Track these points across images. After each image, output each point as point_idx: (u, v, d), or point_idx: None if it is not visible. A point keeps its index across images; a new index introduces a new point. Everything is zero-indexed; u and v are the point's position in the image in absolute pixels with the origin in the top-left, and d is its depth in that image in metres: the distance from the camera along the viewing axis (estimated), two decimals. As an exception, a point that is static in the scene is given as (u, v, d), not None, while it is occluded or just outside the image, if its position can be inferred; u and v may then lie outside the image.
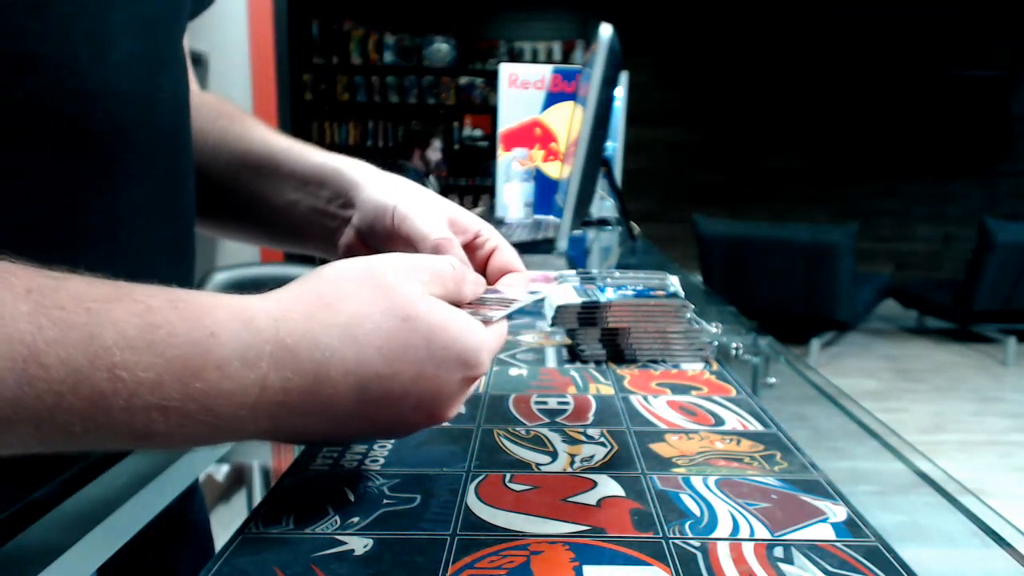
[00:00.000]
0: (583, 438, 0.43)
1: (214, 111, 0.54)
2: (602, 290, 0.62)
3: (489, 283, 0.45)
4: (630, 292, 0.61)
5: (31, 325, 0.24)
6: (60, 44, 0.35)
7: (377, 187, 0.46)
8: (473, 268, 0.46)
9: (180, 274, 0.48)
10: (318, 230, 0.50)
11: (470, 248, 0.45)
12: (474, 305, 0.37)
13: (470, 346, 0.32)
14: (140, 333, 0.26)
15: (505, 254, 0.46)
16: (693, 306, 0.59)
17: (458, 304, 0.35)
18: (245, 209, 0.53)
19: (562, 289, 0.63)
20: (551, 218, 1.63)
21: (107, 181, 0.39)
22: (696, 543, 0.31)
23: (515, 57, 5.55)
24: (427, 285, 0.33)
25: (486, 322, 0.35)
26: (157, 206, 0.43)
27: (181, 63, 0.46)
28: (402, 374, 0.31)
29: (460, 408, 0.35)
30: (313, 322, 0.30)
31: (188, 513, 0.52)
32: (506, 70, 1.72)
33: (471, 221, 0.46)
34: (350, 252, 0.48)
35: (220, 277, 1.84)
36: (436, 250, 0.42)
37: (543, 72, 1.71)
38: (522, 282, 0.44)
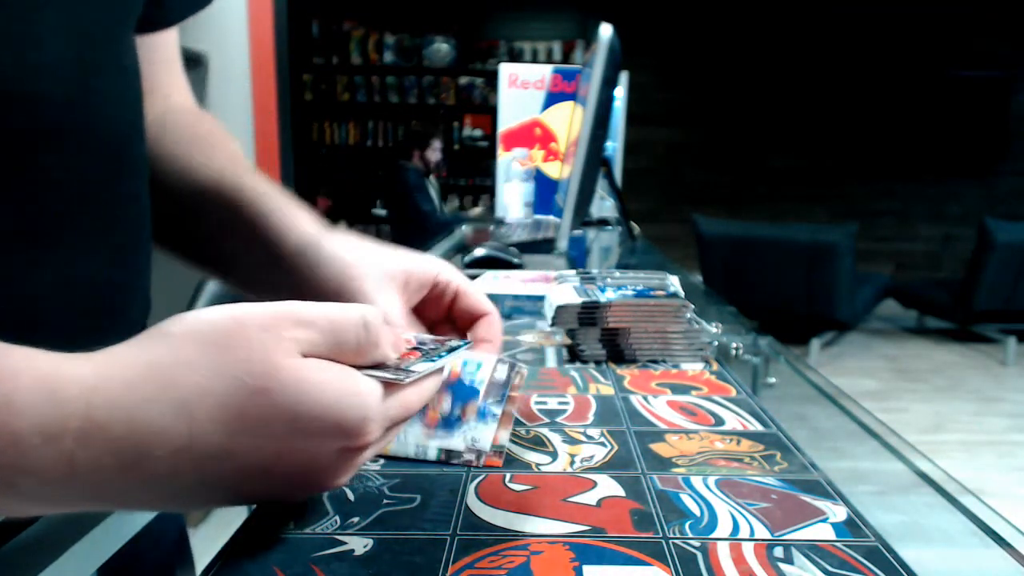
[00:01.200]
0: (583, 438, 0.43)
1: (188, 132, 0.51)
2: (602, 290, 0.62)
3: (460, 328, 0.44)
4: (630, 292, 0.61)
5: None
6: None
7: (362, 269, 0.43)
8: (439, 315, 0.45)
9: (129, 283, 0.46)
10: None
11: (433, 298, 0.45)
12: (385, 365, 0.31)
13: (348, 415, 0.28)
14: None
15: (471, 298, 0.44)
16: (693, 306, 0.59)
17: (358, 362, 0.30)
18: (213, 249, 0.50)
19: (562, 289, 0.63)
20: (551, 218, 1.63)
21: (27, 184, 0.37)
22: (696, 543, 0.31)
23: (515, 57, 5.55)
24: (304, 343, 0.28)
25: (383, 380, 0.30)
26: (91, 212, 0.41)
27: (123, 68, 0.44)
28: (260, 450, 0.27)
29: (350, 475, 0.31)
30: (134, 394, 0.26)
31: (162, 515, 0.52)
32: (506, 70, 1.72)
33: (428, 267, 0.44)
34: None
35: (214, 286, 1.82)
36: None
37: (543, 72, 1.71)
38: (495, 334, 0.44)
